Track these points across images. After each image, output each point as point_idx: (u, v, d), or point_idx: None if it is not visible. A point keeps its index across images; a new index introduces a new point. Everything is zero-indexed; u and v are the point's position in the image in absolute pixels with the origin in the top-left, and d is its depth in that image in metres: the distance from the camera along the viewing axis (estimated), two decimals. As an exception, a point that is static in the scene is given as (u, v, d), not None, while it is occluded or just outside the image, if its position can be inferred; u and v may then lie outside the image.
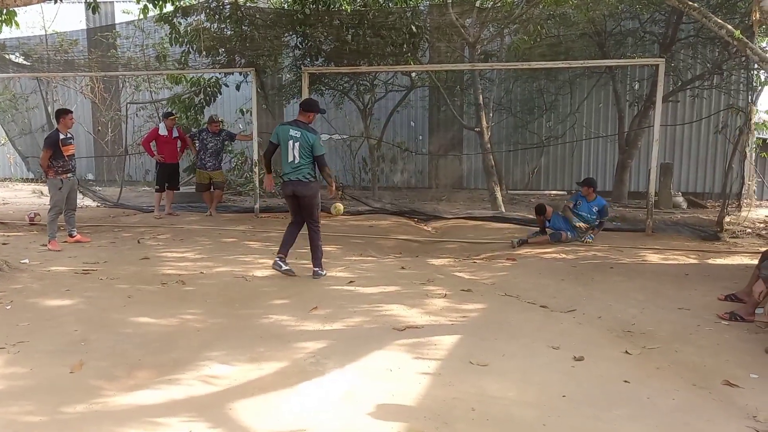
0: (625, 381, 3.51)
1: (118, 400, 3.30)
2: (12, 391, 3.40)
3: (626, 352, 3.97)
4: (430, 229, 8.84)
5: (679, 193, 11.59)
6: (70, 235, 7.61)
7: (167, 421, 3.06)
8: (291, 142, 5.89)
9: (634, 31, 11.74)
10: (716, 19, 6.05)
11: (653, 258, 6.98)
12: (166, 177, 10.07)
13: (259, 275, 6.09)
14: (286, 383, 3.50)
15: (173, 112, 10.69)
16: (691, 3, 6.12)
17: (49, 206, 7.50)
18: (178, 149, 10.18)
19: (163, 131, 9.89)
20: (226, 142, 10.49)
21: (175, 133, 10.07)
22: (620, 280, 5.87)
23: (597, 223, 7.88)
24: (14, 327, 4.43)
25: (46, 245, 7.32)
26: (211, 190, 10.14)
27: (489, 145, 10.24)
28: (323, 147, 6.02)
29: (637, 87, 12.71)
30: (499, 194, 10.01)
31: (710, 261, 6.85)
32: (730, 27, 5.89)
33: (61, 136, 7.36)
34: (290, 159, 5.92)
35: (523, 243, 7.67)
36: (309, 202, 6.00)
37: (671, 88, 12.00)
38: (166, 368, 3.73)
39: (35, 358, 3.86)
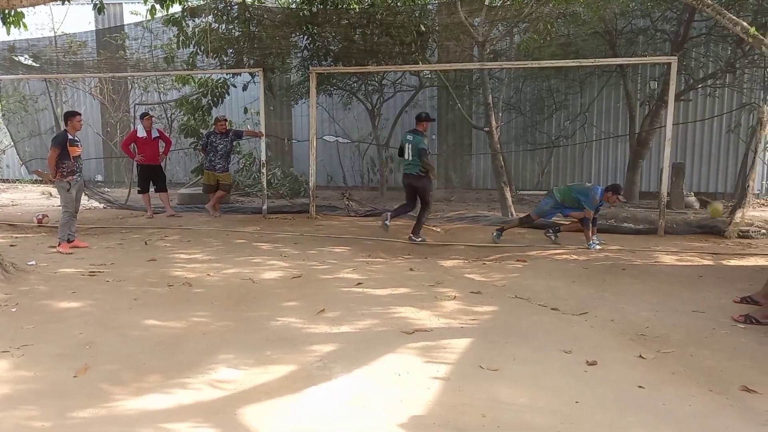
0: (640, 386, 3.43)
1: (124, 404, 3.26)
2: (16, 396, 3.36)
3: (640, 356, 3.89)
4: (439, 230, 8.76)
5: (691, 193, 11.45)
6: (68, 240, 7.46)
7: (174, 426, 3.02)
8: (407, 145, 7.71)
9: (645, 30, 11.61)
10: (730, 15, 5.93)
11: (666, 259, 6.88)
12: (148, 178, 10.01)
13: (267, 277, 6.03)
14: (293, 388, 3.45)
15: (149, 112, 10.62)
16: (705, 0, 6.02)
17: (61, 210, 7.48)
18: (161, 151, 10.11)
19: (141, 133, 9.85)
20: (234, 142, 10.47)
21: (155, 134, 10.03)
22: (632, 282, 5.78)
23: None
24: (19, 330, 4.41)
25: (54, 247, 7.30)
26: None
27: (498, 146, 10.14)
28: (425, 144, 7.67)
29: (640, 86, 12.58)
30: (508, 195, 9.90)
31: (724, 262, 6.74)
32: (744, 24, 5.78)
33: (69, 137, 7.35)
34: (406, 157, 7.75)
35: (556, 232, 7.86)
36: (422, 191, 7.76)
37: (683, 87, 11.86)
38: (172, 372, 3.68)
39: (40, 362, 3.83)
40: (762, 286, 5.07)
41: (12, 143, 13.90)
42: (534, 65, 10.40)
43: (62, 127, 7.81)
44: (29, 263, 6.46)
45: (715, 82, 11.78)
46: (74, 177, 7.37)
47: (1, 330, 4.41)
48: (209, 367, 3.76)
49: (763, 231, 8.24)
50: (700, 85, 11.61)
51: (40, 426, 3.02)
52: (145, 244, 7.80)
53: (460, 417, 3.07)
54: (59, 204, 7.68)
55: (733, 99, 12.62)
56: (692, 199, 11.17)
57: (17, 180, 16.97)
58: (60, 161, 7.27)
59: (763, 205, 11.69)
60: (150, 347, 4.13)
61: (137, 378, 3.60)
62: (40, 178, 12.56)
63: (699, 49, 11.91)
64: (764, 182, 12.88)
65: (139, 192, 10.21)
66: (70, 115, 7.55)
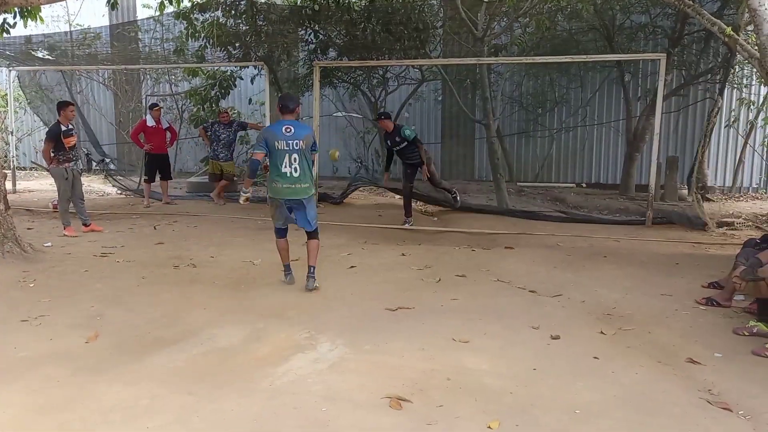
0: (595, 357, 3.78)
1: (128, 366, 3.65)
2: (36, 357, 3.77)
3: (601, 332, 4.23)
4: (435, 218, 9.10)
5: (685, 186, 11.69)
6: (85, 225, 7.81)
7: (171, 380, 3.41)
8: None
9: (644, 26, 11.83)
10: (709, 15, 6.22)
11: (648, 248, 7.18)
12: (156, 167, 10.32)
13: (267, 260, 6.40)
14: (281, 355, 3.82)
15: (158, 103, 10.96)
16: (685, 0, 6.29)
17: (58, 197, 7.79)
18: (167, 140, 10.43)
19: (150, 122, 10.15)
20: (239, 133, 10.82)
21: (165, 125, 10.39)
22: (610, 268, 6.10)
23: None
24: (37, 303, 4.82)
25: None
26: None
27: (495, 138, 10.45)
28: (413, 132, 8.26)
29: (641, 82, 12.82)
30: (504, 187, 10.22)
31: (703, 251, 7.04)
32: (721, 24, 6.06)
33: (63, 128, 7.48)
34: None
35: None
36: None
37: (682, 81, 12.10)
38: (172, 340, 4.07)
39: (55, 330, 4.24)
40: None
41: (29, 132, 14.40)
42: (528, 61, 10.71)
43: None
44: (45, 245, 6.90)
45: (714, 78, 11.99)
46: (71, 165, 7.57)
47: (21, 303, 4.83)
48: (207, 337, 4.14)
49: (749, 223, 8.54)
50: (696, 81, 11.83)
51: (56, 382, 3.41)
52: (154, 228, 8.21)
53: (426, 380, 3.43)
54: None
55: (732, 95, 12.81)
56: (686, 192, 11.40)
57: (33, 168, 17.48)
58: (56, 152, 7.46)
59: (756, 198, 11.91)
60: (154, 319, 4.53)
61: (141, 344, 4.00)
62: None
63: (699, 45, 12.12)
64: (761, 176, 13.09)
65: (145, 181, 10.55)
66: (62, 106, 7.68)
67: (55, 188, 7.89)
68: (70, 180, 7.61)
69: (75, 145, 7.72)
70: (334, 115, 12.96)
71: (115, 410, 3.09)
